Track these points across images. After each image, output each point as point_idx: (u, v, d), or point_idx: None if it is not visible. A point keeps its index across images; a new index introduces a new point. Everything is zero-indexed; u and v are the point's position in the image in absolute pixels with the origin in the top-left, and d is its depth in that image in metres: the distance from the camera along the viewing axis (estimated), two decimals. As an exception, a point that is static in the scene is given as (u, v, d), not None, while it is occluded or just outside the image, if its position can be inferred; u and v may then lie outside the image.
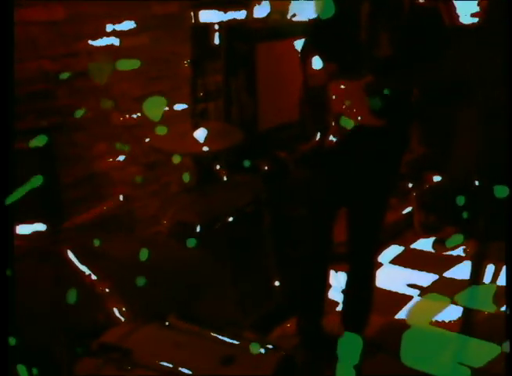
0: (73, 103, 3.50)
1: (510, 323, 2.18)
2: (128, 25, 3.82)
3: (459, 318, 2.84)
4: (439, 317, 3.54)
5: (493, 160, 2.54)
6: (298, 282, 3.55)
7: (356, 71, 2.89)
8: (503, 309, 3.31)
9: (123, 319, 1.84)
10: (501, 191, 2.26)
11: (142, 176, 3.88)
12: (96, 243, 2.10)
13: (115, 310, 1.84)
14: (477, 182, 2.73)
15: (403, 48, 2.83)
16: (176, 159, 3.38)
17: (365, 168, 3.06)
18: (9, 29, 1.73)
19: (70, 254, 1.95)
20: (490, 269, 3.03)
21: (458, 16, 2.68)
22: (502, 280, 3.45)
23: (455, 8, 2.68)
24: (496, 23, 2.65)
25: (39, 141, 1.67)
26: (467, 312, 2.77)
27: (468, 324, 2.76)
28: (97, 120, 3.61)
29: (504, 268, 3.28)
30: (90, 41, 3.60)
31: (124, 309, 1.86)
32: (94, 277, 1.90)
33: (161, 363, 1.89)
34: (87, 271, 1.93)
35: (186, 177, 3.57)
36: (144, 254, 1.93)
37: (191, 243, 2.25)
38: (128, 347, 1.84)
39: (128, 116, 3.79)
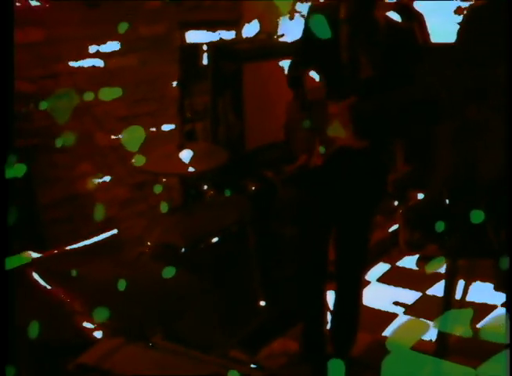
0: (52, 124, 3.49)
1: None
2: (113, 46, 3.83)
3: (435, 341, 2.85)
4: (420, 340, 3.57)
5: (462, 178, 2.58)
6: (289, 301, 3.56)
7: (339, 93, 2.92)
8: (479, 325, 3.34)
9: (96, 337, 1.82)
10: (477, 217, 2.29)
11: (130, 196, 3.89)
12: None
13: (87, 329, 1.82)
14: (447, 201, 2.76)
15: (383, 68, 2.87)
16: (158, 189, 3.38)
17: (349, 187, 3.08)
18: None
19: (36, 276, 1.94)
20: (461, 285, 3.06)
21: (429, 36, 2.74)
22: (471, 296, 3.50)
23: (427, 28, 2.73)
24: (469, 43, 2.70)
25: (17, 171, 1.67)
26: (442, 335, 2.79)
27: (443, 347, 2.77)
28: (79, 140, 3.61)
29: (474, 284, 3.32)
30: (71, 63, 3.62)
31: (97, 328, 1.84)
32: (64, 297, 1.88)
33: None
34: (56, 292, 1.91)
35: (165, 207, 3.58)
36: (122, 284, 1.93)
37: (169, 272, 2.25)
38: (108, 368, 1.81)
39: (113, 136, 3.79)
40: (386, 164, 3.22)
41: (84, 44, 3.68)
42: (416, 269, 4.61)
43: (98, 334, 1.82)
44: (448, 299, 2.61)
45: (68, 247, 2.27)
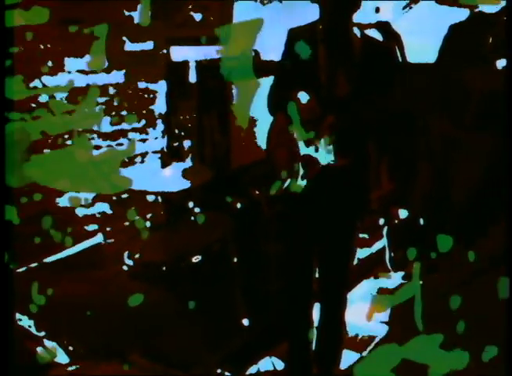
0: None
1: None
2: (99, 62, 3.83)
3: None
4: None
5: (435, 197, 2.59)
6: (274, 318, 3.54)
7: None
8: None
9: (52, 359, 1.79)
10: (444, 243, 2.30)
11: (112, 213, 3.87)
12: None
13: (40, 351, 1.79)
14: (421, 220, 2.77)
15: (359, 86, 2.89)
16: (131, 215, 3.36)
17: (332, 206, 3.08)
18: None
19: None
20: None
21: (406, 55, 2.77)
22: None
23: (404, 47, 2.77)
24: (446, 59, 2.72)
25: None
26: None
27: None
28: (57, 157, 3.58)
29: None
30: (48, 78, 3.60)
31: (51, 349, 1.81)
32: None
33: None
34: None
35: (148, 224, 3.57)
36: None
37: (136, 300, 2.24)
38: None
39: (96, 152, 3.78)
40: (368, 181, 3.22)
41: (63, 59, 3.67)
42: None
43: (61, 358, 1.79)
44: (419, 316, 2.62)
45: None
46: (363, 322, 4.12)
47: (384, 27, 2.79)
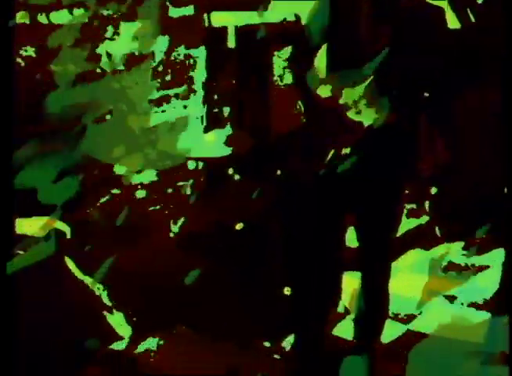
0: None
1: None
2: (144, 28, 3.83)
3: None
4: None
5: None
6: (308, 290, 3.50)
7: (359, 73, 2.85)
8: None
9: (122, 330, 1.84)
10: None
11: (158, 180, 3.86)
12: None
13: (111, 321, 1.83)
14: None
15: (403, 46, 2.80)
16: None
17: (377, 171, 3.00)
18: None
19: (70, 263, 1.95)
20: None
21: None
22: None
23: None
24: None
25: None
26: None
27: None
28: (113, 123, 3.60)
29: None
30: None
31: (123, 320, 1.87)
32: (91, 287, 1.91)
33: (166, 372, 1.89)
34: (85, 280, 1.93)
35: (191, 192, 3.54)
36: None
37: (192, 277, 2.24)
38: (133, 356, 1.85)
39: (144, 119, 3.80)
40: (418, 146, 3.11)
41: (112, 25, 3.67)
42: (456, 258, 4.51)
43: (125, 329, 1.83)
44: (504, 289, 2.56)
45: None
46: (410, 293, 4.06)
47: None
